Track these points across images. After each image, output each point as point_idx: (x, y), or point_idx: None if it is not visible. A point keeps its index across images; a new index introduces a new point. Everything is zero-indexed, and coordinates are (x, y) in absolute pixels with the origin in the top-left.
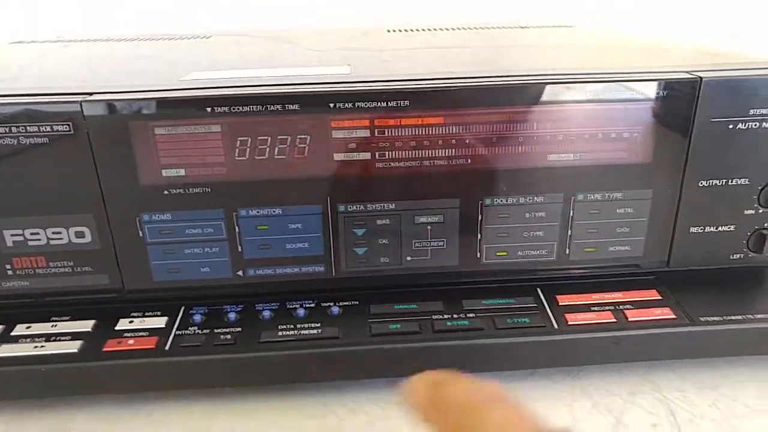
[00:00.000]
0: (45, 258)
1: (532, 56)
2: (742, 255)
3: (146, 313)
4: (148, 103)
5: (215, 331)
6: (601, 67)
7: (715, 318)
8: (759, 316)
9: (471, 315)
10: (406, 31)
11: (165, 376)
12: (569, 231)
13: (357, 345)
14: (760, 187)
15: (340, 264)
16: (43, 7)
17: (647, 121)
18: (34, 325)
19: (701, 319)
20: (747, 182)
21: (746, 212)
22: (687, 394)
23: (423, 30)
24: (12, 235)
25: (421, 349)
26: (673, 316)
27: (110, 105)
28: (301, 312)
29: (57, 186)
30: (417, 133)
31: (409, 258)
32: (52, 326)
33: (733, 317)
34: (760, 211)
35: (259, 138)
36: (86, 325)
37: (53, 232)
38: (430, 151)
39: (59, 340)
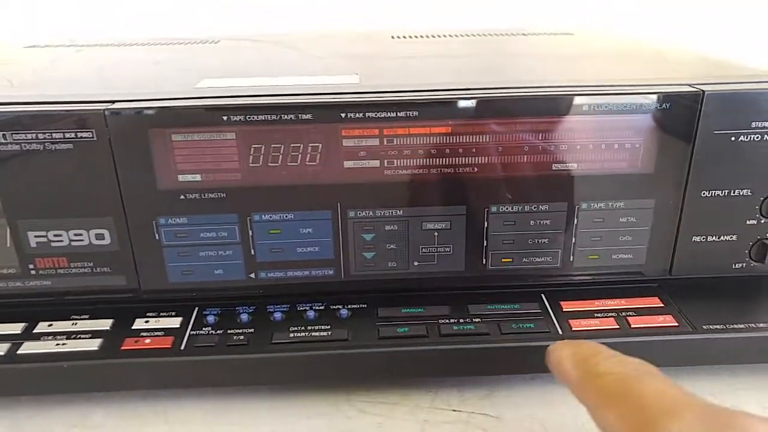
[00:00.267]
0: (67, 258)
1: (535, 68)
2: (744, 264)
3: (161, 314)
4: (167, 111)
5: (228, 331)
6: (606, 80)
7: (717, 326)
8: (761, 324)
9: (477, 320)
10: (409, 37)
11: (180, 374)
12: (573, 239)
13: (365, 347)
14: (762, 198)
15: (349, 268)
16: (51, 10)
17: (650, 133)
18: (55, 323)
19: (703, 326)
20: (749, 193)
21: (748, 222)
22: None
23: (426, 36)
24: (36, 237)
25: (428, 352)
26: (675, 324)
27: (132, 113)
28: (311, 314)
29: (79, 190)
30: (425, 142)
31: (416, 263)
32: (73, 324)
33: (735, 326)
34: (762, 221)
35: (273, 145)
36: (105, 324)
37: (75, 234)
38: (437, 160)
39: (80, 338)
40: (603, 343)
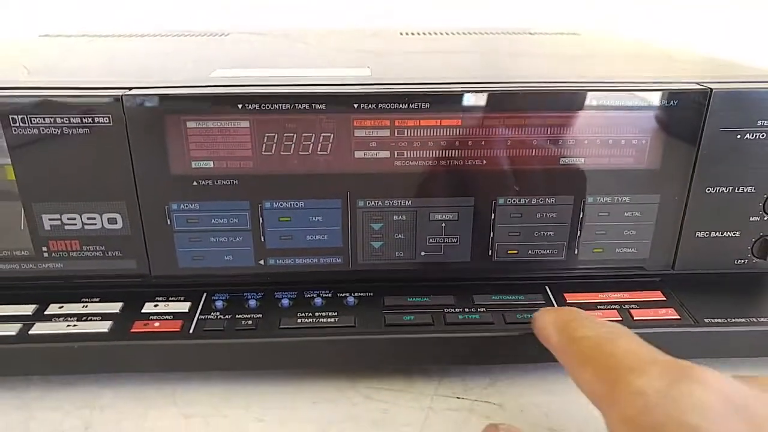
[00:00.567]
0: (79, 242)
1: (543, 65)
2: (746, 260)
3: (170, 298)
4: (183, 98)
5: (236, 316)
6: (614, 77)
7: (719, 320)
8: (762, 319)
9: (482, 309)
10: (418, 34)
11: (188, 357)
12: (579, 232)
13: (372, 334)
14: (765, 196)
15: (357, 256)
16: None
17: (657, 129)
18: (66, 305)
19: (705, 320)
20: (753, 190)
21: (752, 219)
22: None
23: (434, 33)
24: (50, 220)
25: (434, 340)
26: (678, 317)
27: (148, 99)
28: (318, 301)
29: (93, 174)
30: (435, 134)
31: (423, 253)
32: (83, 307)
33: (736, 320)
34: (765, 218)
35: (286, 134)
36: (115, 307)
37: (88, 218)
38: (447, 152)
39: (90, 320)
40: None
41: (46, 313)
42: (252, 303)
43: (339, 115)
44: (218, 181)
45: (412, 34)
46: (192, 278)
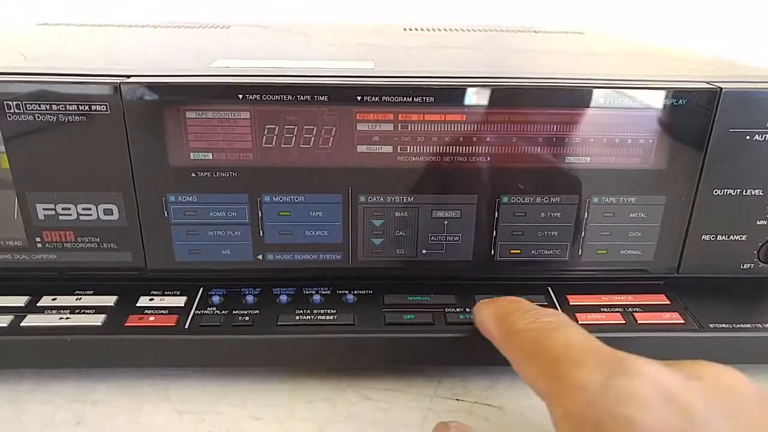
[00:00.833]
0: (74, 233)
1: (547, 63)
2: (752, 265)
3: (166, 292)
4: (182, 88)
5: (233, 312)
6: (621, 75)
7: (724, 325)
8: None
9: None
10: (422, 30)
11: (183, 352)
12: (583, 232)
13: (371, 333)
14: None
15: (357, 253)
16: None
17: (664, 129)
18: (59, 298)
19: (710, 325)
20: (761, 193)
21: (759, 223)
22: None
23: (439, 30)
24: (44, 209)
25: (434, 340)
26: (682, 321)
27: (147, 87)
28: (317, 298)
29: (90, 163)
30: (439, 129)
31: (424, 251)
32: (77, 299)
33: (742, 325)
34: None
35: (287, 127)
36: (109, 300)
37: (83, 208)
38: (451, 148)
39: (83, 313)
40: (608, 338)
41: (38, 305)
42: (249, 299)
43: (341, 107)
44: (217, 174)
45: (416, 30)
46: (189, 272)
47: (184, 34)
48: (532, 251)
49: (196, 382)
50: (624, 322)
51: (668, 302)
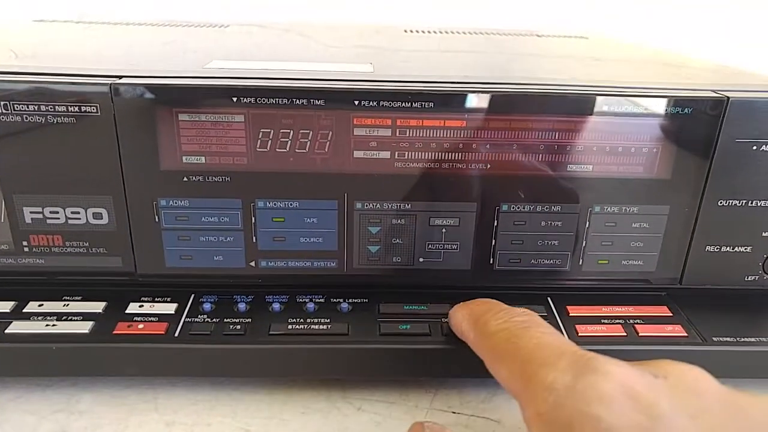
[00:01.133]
0: (62, 237)
1: (550, 68)
2: (756, 277)
3: (156, 299)
4: (175, 89)
5: (225, 320)
6: (625, 81)
7: (728, 338)
8: None
9: None
10: (423, 32)
11: (173, 362)
12: (584, 242)
13: (365, 343)
14: None
15: (353, 261)
16: None
17: (668, 138)
18: (46, 303)
19: (713, 338)
20: (767, 204)
21: (764, 234)
22: None
23: (440, 32)
24: (31, 213)
25: (430, 351)
26: (685, 334)
27: (138, 89)
28: (311, 306)
29: (79, 166)
30: (438, 135)
31: (421, 259)
32: (64, 305)
33: (746, 339)
34: None
35: (282, 131)
36: (97, 307)
37: (72, 212)
38: (450, 154)
39: (71, 320)
40: (610, 351)
41: (24, 311)
42: (241, 306)
43: (338, 112)
44: (210, 178)
45: (417, 32)
46: (179, 278)
47: (181, 33)
48: (532, 260)
49: (184, 392)
50: (625, 334)
51: (670, 314)
